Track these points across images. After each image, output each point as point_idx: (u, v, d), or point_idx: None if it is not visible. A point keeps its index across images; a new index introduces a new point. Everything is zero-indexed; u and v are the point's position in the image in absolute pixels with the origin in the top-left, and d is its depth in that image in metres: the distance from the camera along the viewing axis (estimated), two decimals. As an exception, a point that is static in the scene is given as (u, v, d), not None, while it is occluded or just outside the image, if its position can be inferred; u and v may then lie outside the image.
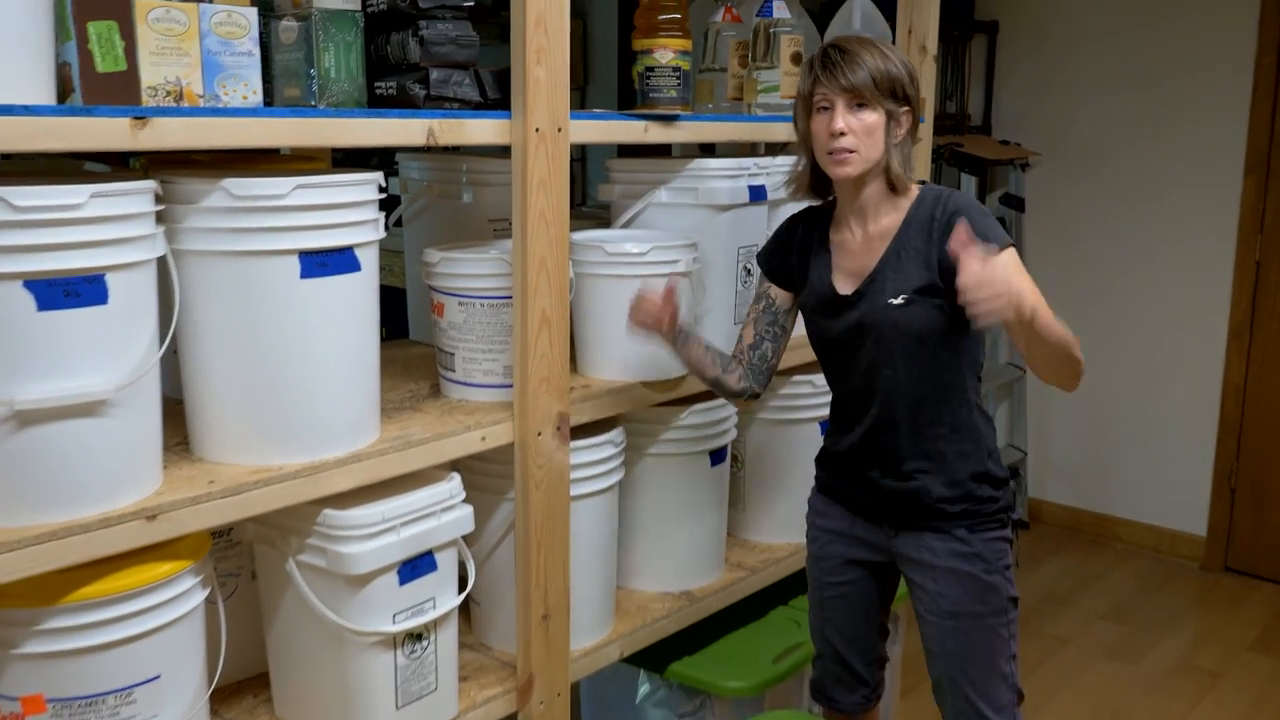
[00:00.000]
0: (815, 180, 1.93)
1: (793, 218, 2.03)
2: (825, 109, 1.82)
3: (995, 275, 1.54)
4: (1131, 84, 4.14)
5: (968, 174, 4.12)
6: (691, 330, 2.01)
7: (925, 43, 2.69)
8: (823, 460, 2.06)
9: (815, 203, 1.99)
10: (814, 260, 1.96)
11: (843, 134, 1.80)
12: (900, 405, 1.88)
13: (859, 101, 1.79)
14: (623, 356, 2.16)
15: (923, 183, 1.92)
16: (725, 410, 2.40)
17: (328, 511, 1.69)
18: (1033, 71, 4.35)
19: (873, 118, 1.80)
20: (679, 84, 2.14)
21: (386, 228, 1.74)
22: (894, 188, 1.85)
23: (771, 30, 2.42)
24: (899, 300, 1.82)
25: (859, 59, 1.79)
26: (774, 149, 2.88)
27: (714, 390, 2.03)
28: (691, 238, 2.21)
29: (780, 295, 2.01)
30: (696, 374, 2.02)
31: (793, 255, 2.00)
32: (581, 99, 5.18)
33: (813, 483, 2.09)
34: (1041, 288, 1.73)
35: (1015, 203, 4.31)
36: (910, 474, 1.89)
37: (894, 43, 2.66)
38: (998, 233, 1.77)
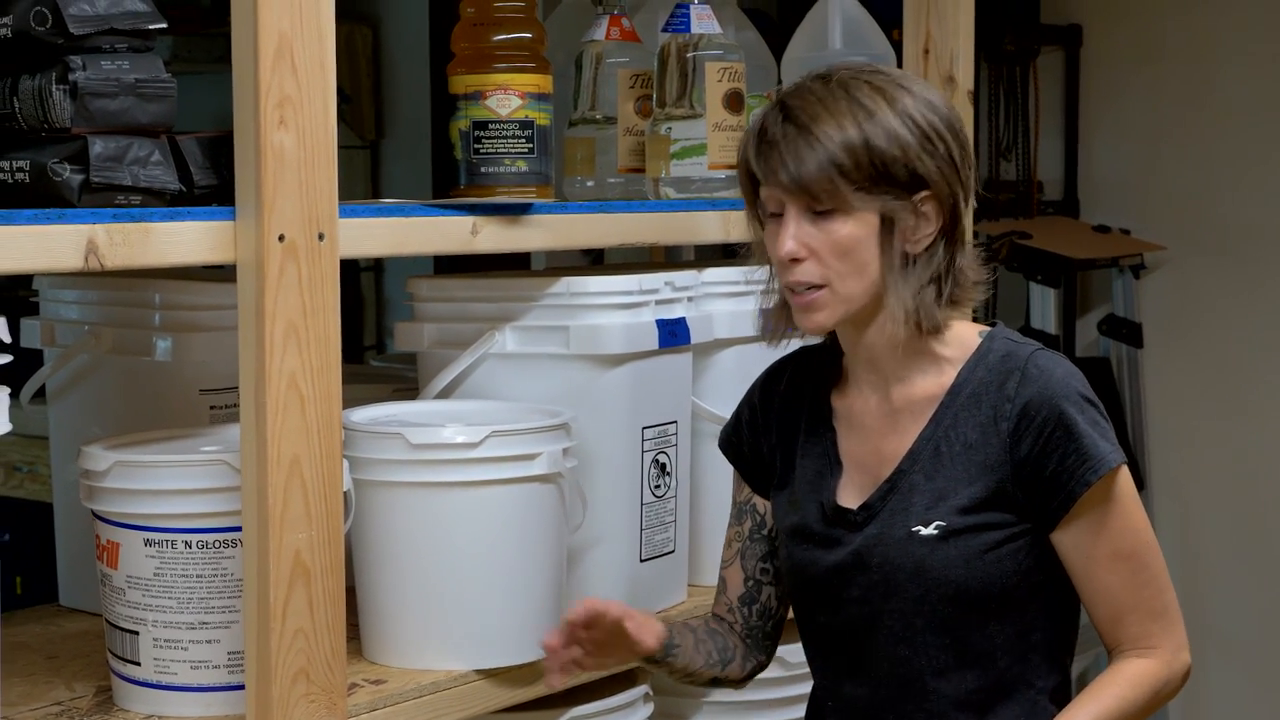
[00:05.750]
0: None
1: (773, 369, 2.09)
2: (775, 215, 1.89)
3: None
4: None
5: (1040, 284, 4.22)
6: (675, 637, 1.99)
7: (953, 69, 2.80)
8: None
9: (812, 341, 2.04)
10: (802, 447, 2.00)
11: (794, 260, 1.86)
12: (921, 708, 1.90)
13: (817, 208, 1.85)
14: (445, 626, 2.16)
15: (993, 321, 1.95)
16: (637, 712, 2.40)
17: None
18: (1144, 109, 4.49)
19: (846, 229, 1.84)
20: (532, 149, 2.20)
21: (15, 405, 1.73)
22: (924, 330, 1.90)
23: (691, 54, 2.51)
24: (931, 529, 1.87)
25: (809, 132, 1.83)
26: (705, 254, 2.94)
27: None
28: (560, 413, 2.24)
29: (769, 506, 2.07)
30: (688, 683, 2.07)
31: (771, 435, 2.05)
32: (371, 169, 5.24)
33: None
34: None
35: (1125, 331, 4.41)
36: None
37: (901, 66, 2.77)
38: (1098, 452, 1.82)
